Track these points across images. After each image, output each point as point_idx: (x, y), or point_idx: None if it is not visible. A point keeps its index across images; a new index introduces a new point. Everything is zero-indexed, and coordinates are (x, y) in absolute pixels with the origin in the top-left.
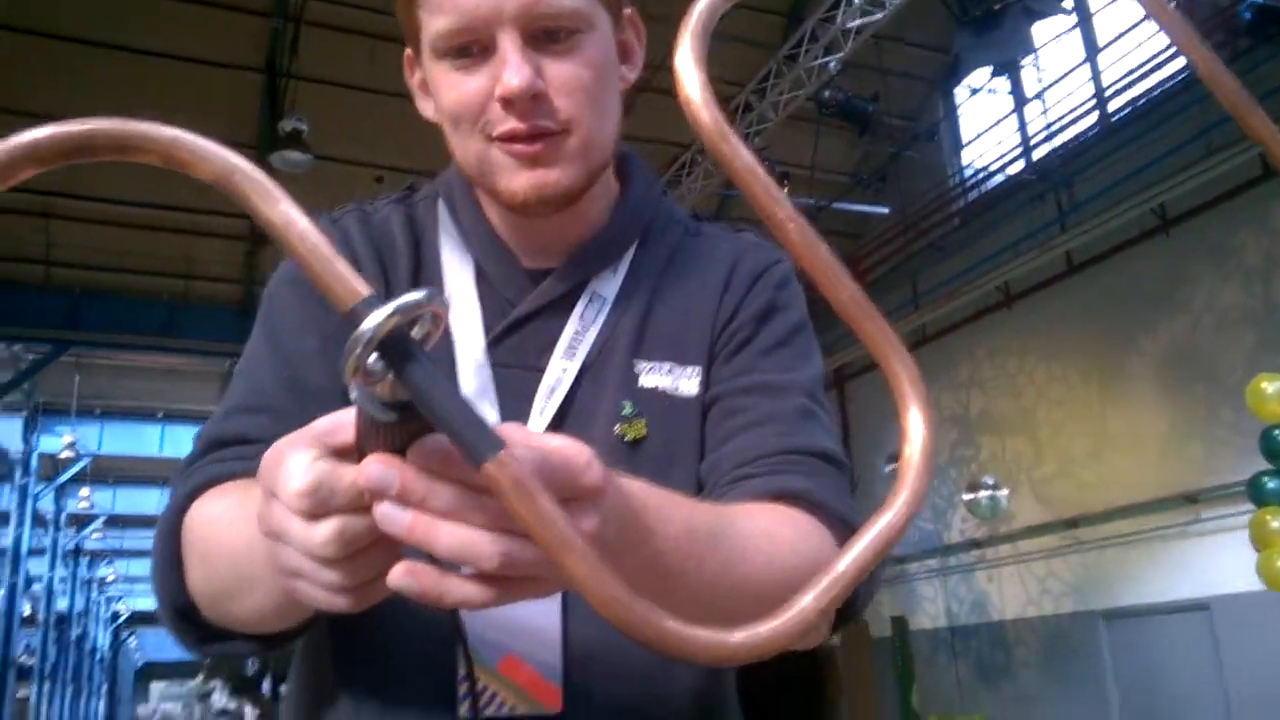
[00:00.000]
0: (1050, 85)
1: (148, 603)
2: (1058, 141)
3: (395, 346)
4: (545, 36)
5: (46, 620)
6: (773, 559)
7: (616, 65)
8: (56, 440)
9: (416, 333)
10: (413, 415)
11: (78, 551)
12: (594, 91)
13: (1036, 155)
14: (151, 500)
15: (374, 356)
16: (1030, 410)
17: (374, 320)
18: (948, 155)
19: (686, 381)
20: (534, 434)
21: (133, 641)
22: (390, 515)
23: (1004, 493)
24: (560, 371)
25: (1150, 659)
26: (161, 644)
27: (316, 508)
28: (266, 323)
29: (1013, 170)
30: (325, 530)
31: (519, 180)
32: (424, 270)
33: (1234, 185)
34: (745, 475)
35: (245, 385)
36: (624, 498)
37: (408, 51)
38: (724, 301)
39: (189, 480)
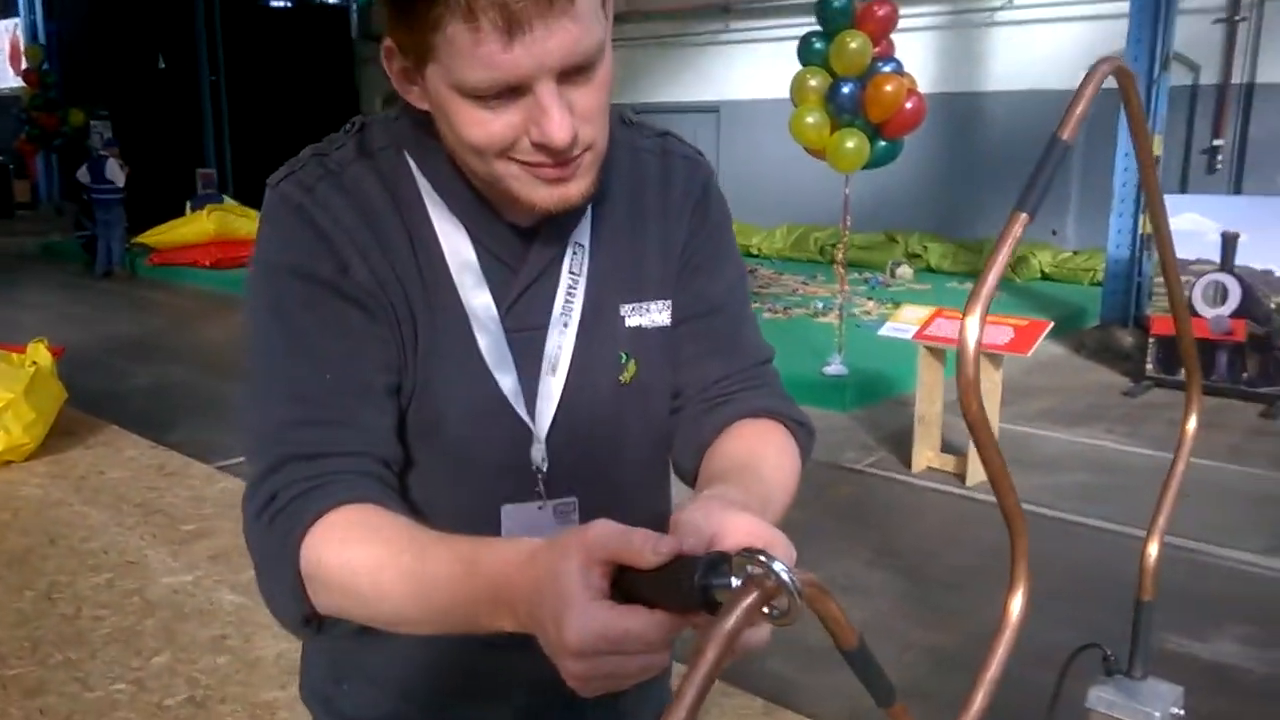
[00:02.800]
0: None
1: None
2: None
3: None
4: (574, 72)
5: None
6: (789, 485)
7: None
8: None
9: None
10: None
11: None
12: (607, 104)
13: None
14: None
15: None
16: None
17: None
18: None
19: (659, 315)
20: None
21: None
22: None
23: None
24: (562, 328)
25: None
26: None
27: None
28: (283, 319)
29: None
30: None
31: (540, 194)
32: (419, 243)
33: None
34: (718, 398)
35: (288, 390)
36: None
37: (389, 43)
38: (677, 227)
39: (295, 504)
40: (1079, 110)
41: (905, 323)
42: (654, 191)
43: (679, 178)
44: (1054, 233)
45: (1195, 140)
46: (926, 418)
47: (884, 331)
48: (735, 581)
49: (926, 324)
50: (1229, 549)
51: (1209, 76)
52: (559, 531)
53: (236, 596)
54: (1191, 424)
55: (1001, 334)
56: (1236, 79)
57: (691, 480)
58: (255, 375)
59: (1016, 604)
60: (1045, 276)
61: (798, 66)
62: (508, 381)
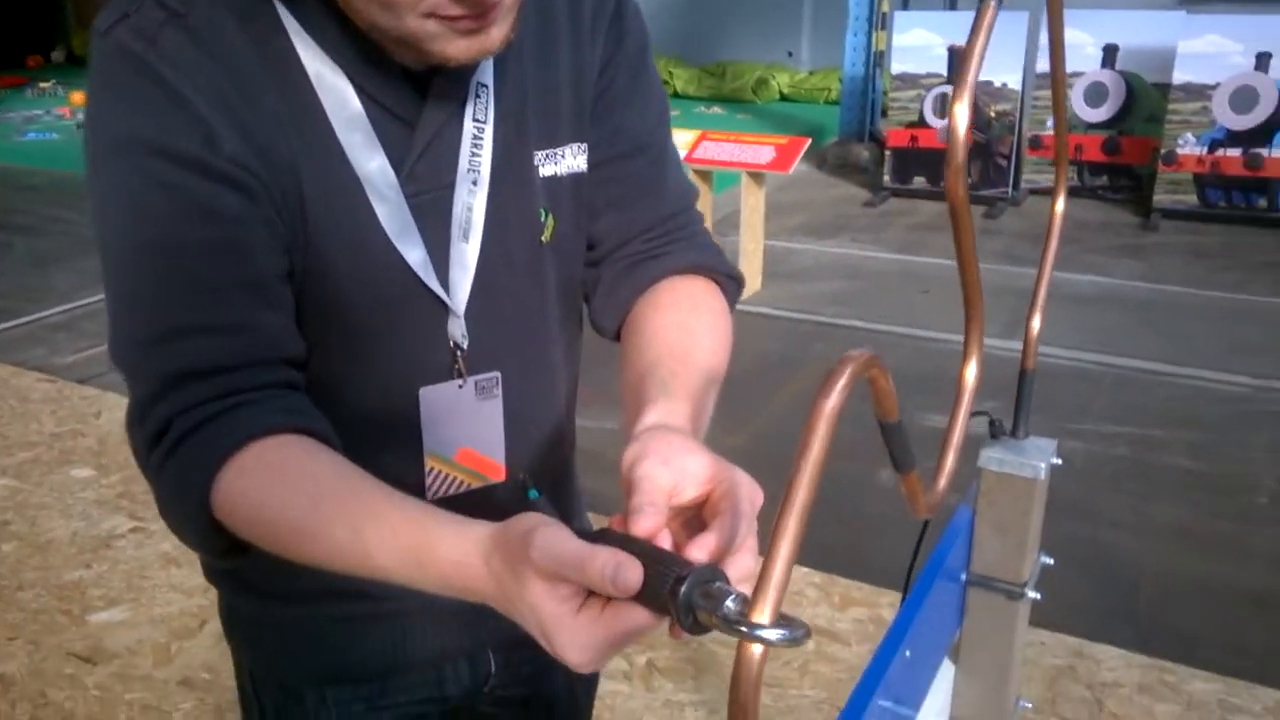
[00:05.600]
0: None
1: None
2: None
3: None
4: None
5: None
6: (723, 361)
7: None
8: None
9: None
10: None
11: None
12: None
13: None
14: None
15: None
16: None
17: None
18: None
19: (575, 160)
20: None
21: None
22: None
23: None
24: (471, 186)
25: None
26: None
27: None
28: (142, 208)
29: None
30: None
31: (456, 47)
32: (294, 97)
33: None
34: (642, 253)
35: (163, 294)
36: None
37: None
38: (589, 54)
39: (197, 437)
40: None
41: None
42: (562, 14)
43: None
44: (790, 54)
45: None
46: None
47: None
48: (731, 602)
49: (693, 148)
50: None
51: None
52: (487, 416)
53: (8, 480)
54: (1061, 204)
55: (764, 153)
56: None
57: (614, 336)
58: (117, 276)
59: (971, 372)
60: (784, 98)
61: None
62: (415, 254)
